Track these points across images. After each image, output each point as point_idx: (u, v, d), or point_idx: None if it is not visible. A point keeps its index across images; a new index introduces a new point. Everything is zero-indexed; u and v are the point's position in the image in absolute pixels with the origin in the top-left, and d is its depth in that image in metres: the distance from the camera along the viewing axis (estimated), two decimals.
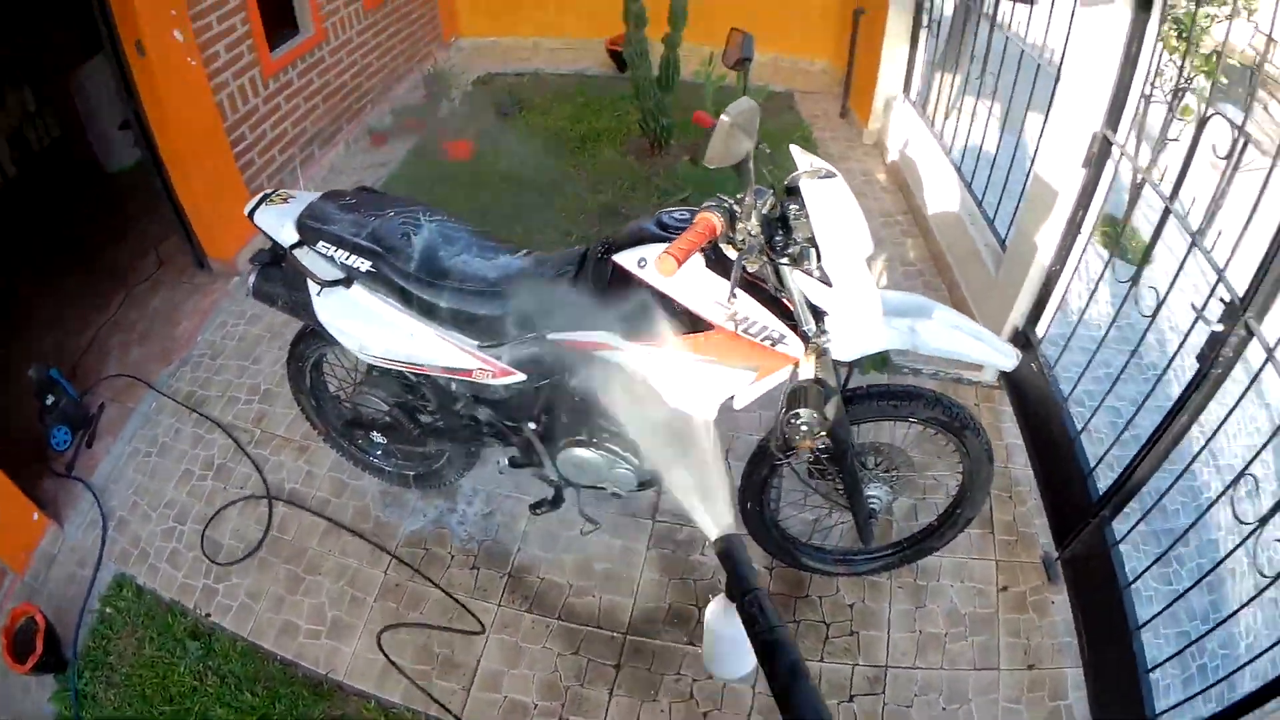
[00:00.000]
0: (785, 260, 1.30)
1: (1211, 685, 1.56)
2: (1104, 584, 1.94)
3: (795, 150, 1.35)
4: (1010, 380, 2.67)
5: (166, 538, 2.16)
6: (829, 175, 1.28)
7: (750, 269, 1.32)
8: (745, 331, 1.33)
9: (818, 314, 1.33)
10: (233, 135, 3.02)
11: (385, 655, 1.86)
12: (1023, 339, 2.56)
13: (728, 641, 0.78)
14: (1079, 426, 2.20)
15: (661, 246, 1.18)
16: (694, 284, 1.31)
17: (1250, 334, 1.46)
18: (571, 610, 1.96)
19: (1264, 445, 1.42)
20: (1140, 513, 1.87)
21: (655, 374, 1.42)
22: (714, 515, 1.03)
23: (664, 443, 1.43)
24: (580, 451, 1.63)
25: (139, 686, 1.86)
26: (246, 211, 1.69)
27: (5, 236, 3.31)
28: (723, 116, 1.13)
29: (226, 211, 2.82)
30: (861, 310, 1.31)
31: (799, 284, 1.30)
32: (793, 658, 0.67)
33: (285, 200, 1.67)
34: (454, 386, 1.71)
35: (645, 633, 1.92)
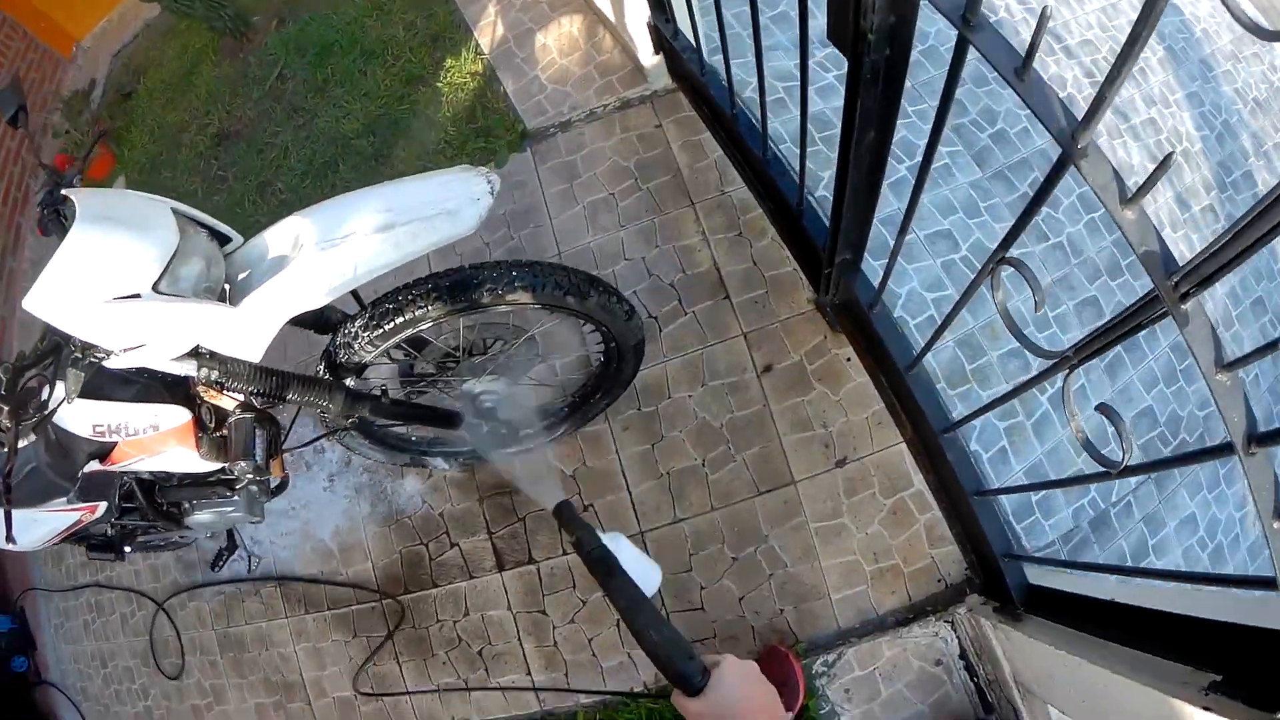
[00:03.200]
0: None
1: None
2: (882, 353, 1.42)
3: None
4: (680, 84, 1.88)
5: (107, 683, 2.38)
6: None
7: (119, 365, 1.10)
8: (125, 435, 1.21)
9: (197, 353, 1.14)
10: None
11: None
12: (657, 36, 1.78)
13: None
14: (765, 145, 1.52)
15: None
16: (74, 420, 1.19)
17: None
18: (335, 597, 1.85)
19: (1023, 223, 0.80)
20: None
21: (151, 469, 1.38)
22: (544, 492, 1.12)
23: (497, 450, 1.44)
24: (196, 517, 1.63)
25: None
26: None
27: None
28: None
29: None
30: (199, 319, 1.03)
31: (130, 361, 1.07)
32: (627, 589, 0.78)
33: None
34: (90, 529, 1.73)
35: (394, 591, 1.77)
